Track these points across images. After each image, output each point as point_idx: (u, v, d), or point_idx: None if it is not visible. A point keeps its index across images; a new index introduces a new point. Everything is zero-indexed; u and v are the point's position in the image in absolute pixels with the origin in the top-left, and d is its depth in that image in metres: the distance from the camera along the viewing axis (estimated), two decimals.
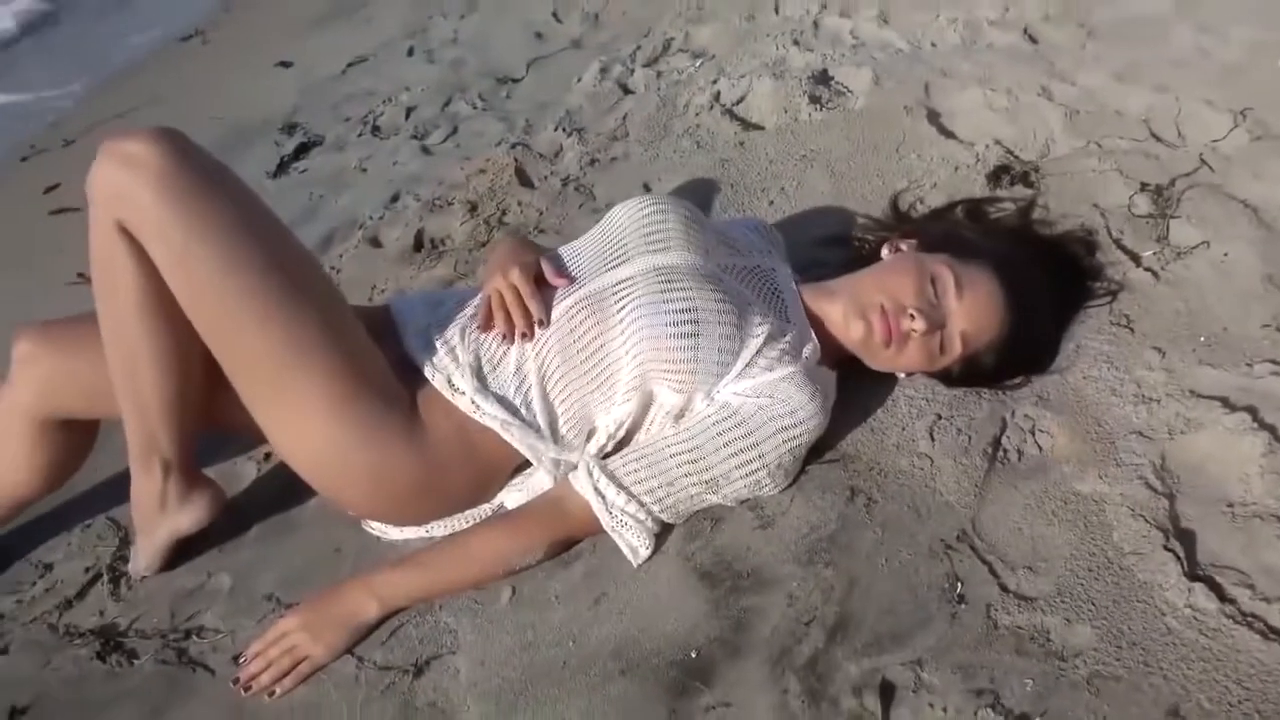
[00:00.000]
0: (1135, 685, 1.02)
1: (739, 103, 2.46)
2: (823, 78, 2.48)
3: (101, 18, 6.37)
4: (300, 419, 1.31)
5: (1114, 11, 2.57)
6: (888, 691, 1.08)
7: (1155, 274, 1.56)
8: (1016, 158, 1.96)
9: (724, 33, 3.01)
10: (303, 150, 3.04)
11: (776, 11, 3.08)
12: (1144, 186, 1.77)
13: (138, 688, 1.36)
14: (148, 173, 1.21)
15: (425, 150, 2.75)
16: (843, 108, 2.33)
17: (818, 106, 2.32)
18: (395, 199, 2.49)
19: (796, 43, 2.74)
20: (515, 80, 3.14)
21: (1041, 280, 1.46)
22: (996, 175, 1.91)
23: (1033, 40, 2.51)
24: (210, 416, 1.43)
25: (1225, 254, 1.55)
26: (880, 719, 1.05)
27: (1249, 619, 1.05)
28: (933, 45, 2.59)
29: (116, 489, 1.72)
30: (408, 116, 3.07)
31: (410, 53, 3.74)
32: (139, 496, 1.46)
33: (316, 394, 1.29)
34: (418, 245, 2.25)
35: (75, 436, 1.50)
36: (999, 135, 2.05)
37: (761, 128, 2.35)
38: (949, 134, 2.12)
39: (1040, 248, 1.58)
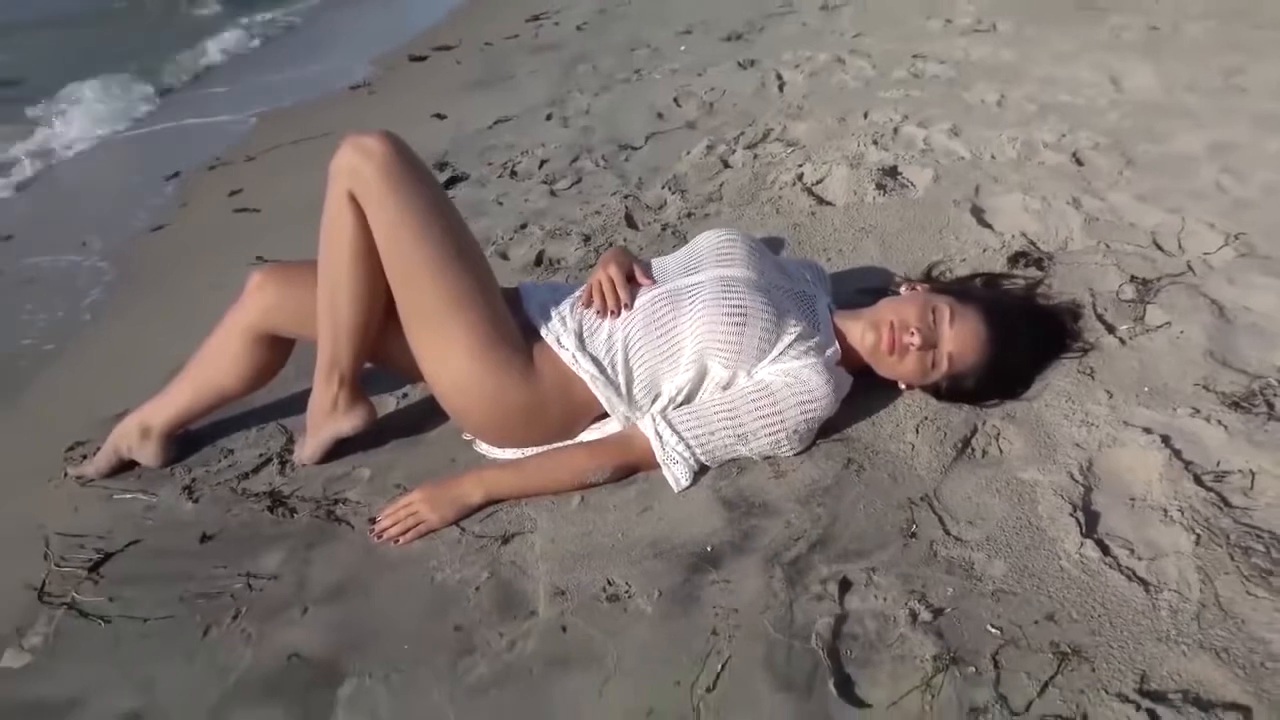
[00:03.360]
0: (1027, 599, 1.39)
1: (818, 183, 2.93)
2: (891, 172, 2.94)
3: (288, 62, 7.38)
4: (451, 352, 1.78)
5: (1156, 149, 2.98)
6: (845, 584, 1.46)
7: (1123, 341, 1.94)
8: (1036, 247, 2.37)
9: (817, 129, 3.51)
10: (450, 183, 3.63)
11: (865, 117, 3.57)
12: (1134, 279, 2.15)
13: (296, 531, 1.82)
14: (376, 160, 1.74)
15: (552, 193, 3.30)
16: (902, 196, 2.78)
17: (882, 192, 2.77)
18: (524, 226, 3.02)
19: (875, 143, 3.22)
20: (634, 148, 3.69)
21: (1024, 329, 1.86)
22: (1015, 258, 2.31)
23: (1079, 163, 2.93)
24: (378, 351, 1.93)
25: (1181, 332, 1.92)
26: (837, 599, 1.43)
27: (1122, 568, 1.41)
28: (992, 157, 3.03)
29: (284, 405, 2.23)
30: (540, 166, 3.64)
31: (548, 117, 4.37)
32: (316, 401, 1.95)
33: (466, 335, 1.77)
34: (538, 261, 2.76)
35: (276, 351, 2.01)
36: (1026, 230, 2.46)
37: (832, 204, 2.81)
38: (986, 225, 2.54)
39: (1032, 307, 1.98)
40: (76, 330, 3.14)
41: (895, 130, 3.34)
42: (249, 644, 1.56)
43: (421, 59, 6.81)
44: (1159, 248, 2.31)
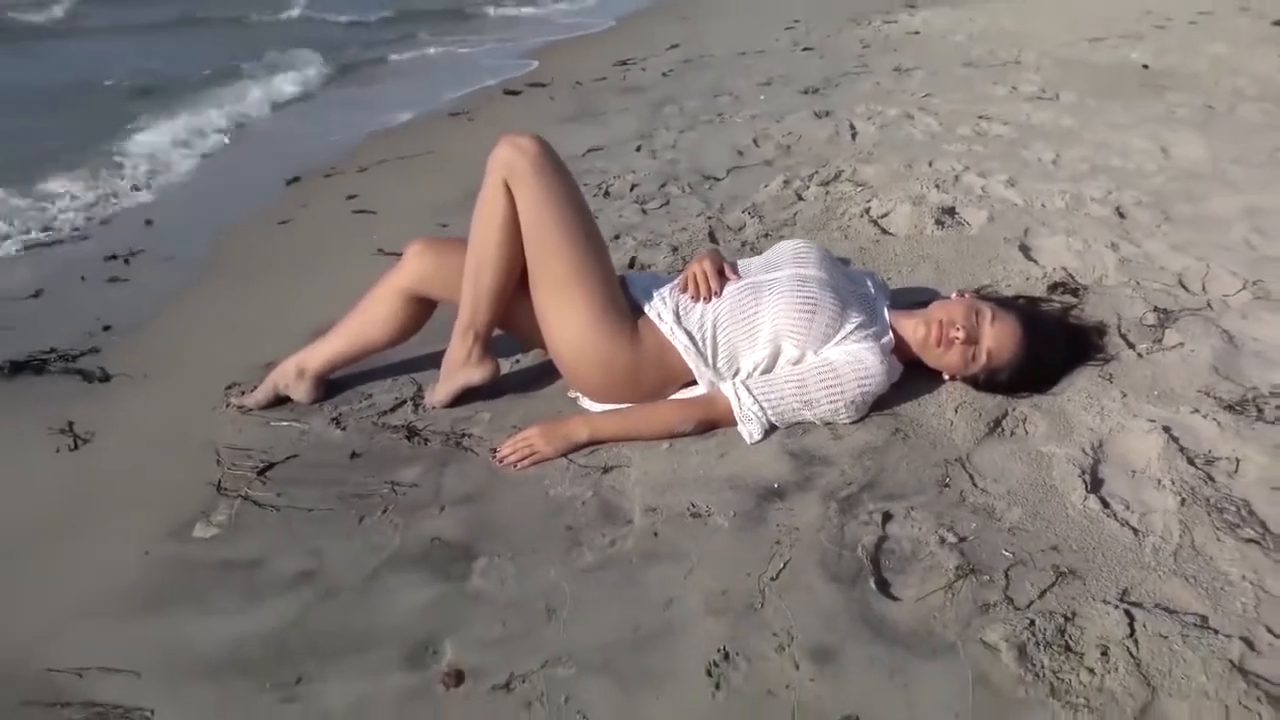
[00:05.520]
0: (1036, 535, 1.70)
1: (883, 216, 3.29)
2: (950, 211, 3.28)
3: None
4: (573, 315, 2.16)
5: (1194, 209, 3.29)
6: (888, 516, 1.79)
7: (1140, 355, 2.25)
8: (1073, 279, 2.69)
9: (884, 173, 3.88)
10: None
11: (929, 165, 3.93)
12: (1157, 309, 2.46)
13: (430, 454, 2.20)
14: (528, 155, 2.15)
15: (643, 211, 3.71)
16: (959, 232, 3.12)
17: (940, 227, 3.12)
18: (617, 236, 3.42)
19: (938, 187, 3.57)
20: (717, 179, 4.09)
21: (1055, 335, 2.19)
22: (1054, 287, 2.64)
23: (1121, 216, 3.25)
24: (506, 319, 2.31)
25: (1192, 350, 2.23)
26: (880, 526, 1.76)
27: (1118, 518, 1.72)
28: (1042, 206, 3.36)
29: (414, 363, 2.62)
30: (631, 189, 4.06)
31: (638, 149, 4.80)
32: (452, 353, 2.34)
33: (587, 302, 2.15)
34: (631, 265, 3.15)
35: (420, 311, 2.41)
36: (1067, 265, 2.79)
37: (894, 235, 3.17)
38: (1031, 259, 2.87)
39: (1063, 320, 2.30)
40: (218, 298, 3.59)
41: (956, 178, 3.69)
42: (397, 530, 1.93)
43: (515, 93, 7.35)
44: (1184, 287, 2.62)
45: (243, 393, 2.55)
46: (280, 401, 2.50)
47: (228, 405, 2.52)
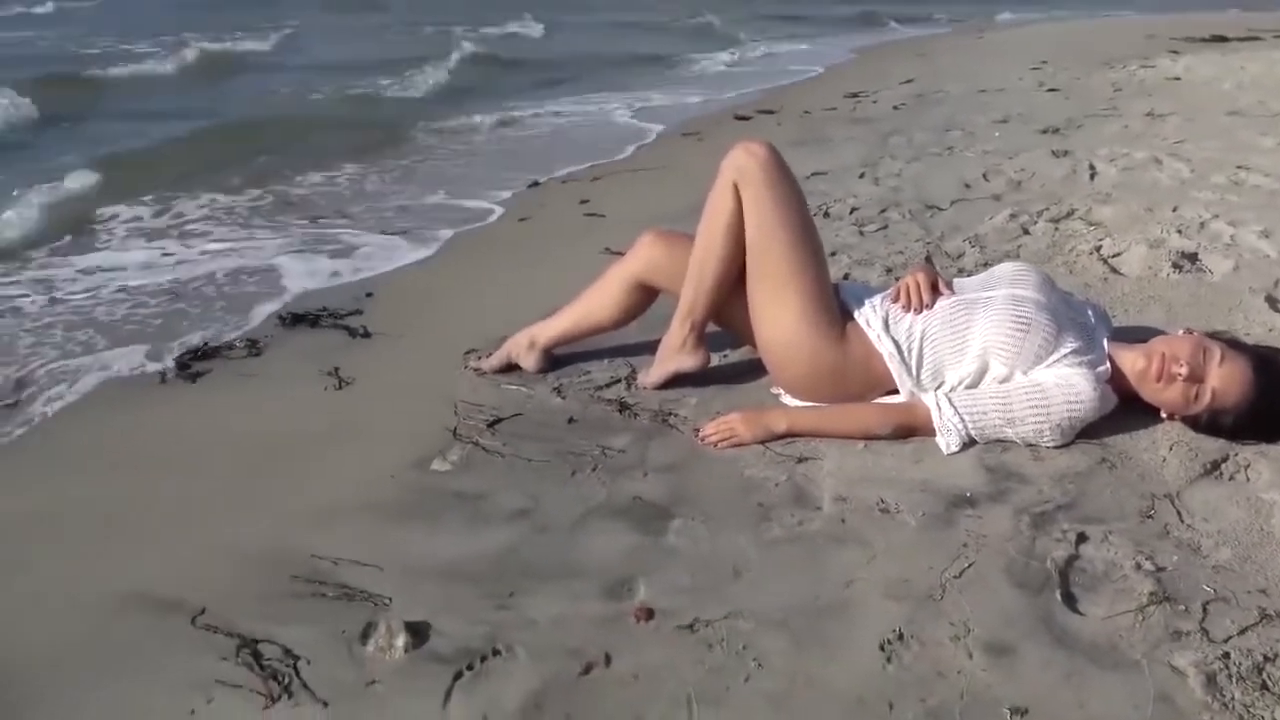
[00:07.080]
0: (1244, 576, 1.64)
1: (1114, 256, 3.19)
2: (1191, 257, 3.13)
3: None
4: (784, 313, 2.29)
5: None
6: (1083, 537, 1.78)
7: None
8: None
9: (1122, 214, 3.73)
10: None
11: (1174, 210, 3.74)
12: None
13: (639, 426, 2.39)
14: (759, 160, 2.31)
15: (860, 233, 3.78)
16: (1198, 278, 2.98)
17: (1177, 271, 2.99)
18: (834, 254, 3.50)
19: (1180, 232, 3.40)
20: (940, 209, 4.09)
21: None
22: None
23: None
24: (721, 313, 2.47)
25: None
26: (1073, 544, 1.76)
27: None
28: None
29: (630, 348, 2.83)
30: (851, 212, 4.13)
31: (861, 176, 4.86)
32: (669, 339, 2.52)
33: (800, 300, 2.27)
34: (844, 278, 3.23)
35: (643, 298, 2.62)
36: None
37: (1125, 275, 3.06)
38: (1278, 311, 2.69)
39: None
40: (465, 277, 4.01)
41: (1202, 225, 3.50)
42: (604, 486, 2.13)
43: (745, 119, 7.60)
44: None
45: (480, 358, 2.85)
46: (511, 368, 2.78)
47: (466, 367, 2.84)
